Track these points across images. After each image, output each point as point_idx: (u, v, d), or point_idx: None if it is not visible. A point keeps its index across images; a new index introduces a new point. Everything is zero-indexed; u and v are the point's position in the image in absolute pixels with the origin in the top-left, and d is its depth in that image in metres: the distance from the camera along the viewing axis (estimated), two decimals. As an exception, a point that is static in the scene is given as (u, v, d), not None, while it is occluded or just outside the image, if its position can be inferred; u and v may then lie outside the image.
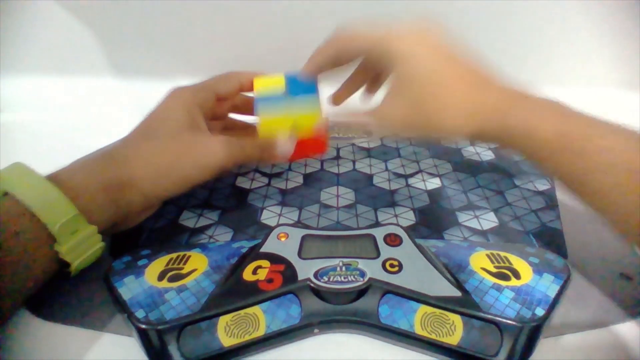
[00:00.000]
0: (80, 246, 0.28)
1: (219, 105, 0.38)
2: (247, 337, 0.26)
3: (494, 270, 0.29)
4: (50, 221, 0.26)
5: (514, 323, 0.25)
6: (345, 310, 0.28)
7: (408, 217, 0.38)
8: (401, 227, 0.32)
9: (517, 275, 0.29)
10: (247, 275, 0.28)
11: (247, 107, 0.40)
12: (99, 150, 0.31)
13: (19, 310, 0.29)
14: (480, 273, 0.29)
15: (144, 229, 0.36)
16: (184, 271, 0.29)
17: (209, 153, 0.32)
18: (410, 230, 0.32)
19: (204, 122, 0.34)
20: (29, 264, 0.26)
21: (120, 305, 0.27)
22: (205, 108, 0.35)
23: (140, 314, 0.26)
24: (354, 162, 0.46)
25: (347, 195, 0.40)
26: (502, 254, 0.31)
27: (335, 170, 0.44)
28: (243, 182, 0.42)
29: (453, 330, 0.26)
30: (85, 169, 0.30)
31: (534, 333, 0.26)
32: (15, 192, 0.26)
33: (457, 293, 0.27)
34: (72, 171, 0.29)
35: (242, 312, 0.27)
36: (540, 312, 0.26)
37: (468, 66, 0.30)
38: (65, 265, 0.28)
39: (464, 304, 0.26)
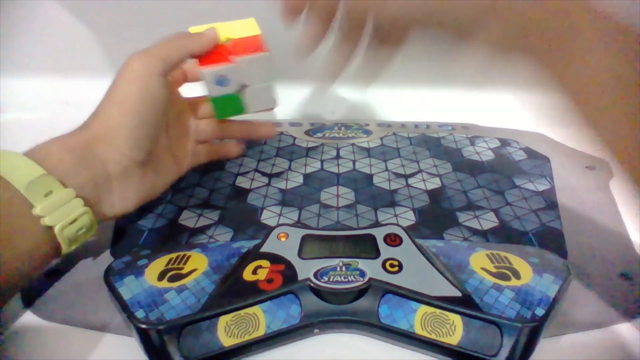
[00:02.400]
0: (59, 209, 0.27)
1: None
2: (247, 337, 0.26)
3: (494, 270, 0.29)
4: (17, 182, 0.25)
5: (514, 323, 0.25)
6: (345, 310, 0.28)
7: (408, 217, 0.38)
8: (401, 227, 0.32)
9: (517, 275, 0.29)
10: (247, 275, 0.28)
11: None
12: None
13: (19, 311, 0.29)
14: (480, 273, 0.29)
15: (144, 229, 0.36)
16: (184, 271, 0.29)
17: (128, 65, 0.31)
18: (410, 230, 0.32)
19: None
20: (10, 234, 0.25)
21: (120, 305, 0.27)
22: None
23: (140, 314, 0.26)
24: (354, 162, 0.46)
25: (347, 195, 0.40)
26: (502, 254, 0.31)
27: (335, 170, 0.44)
28: (243, 182, 0.42)
29: (453, 330, 0.26)
30: (52, 139, 0.29)
31: (534, 333, 0.26)
32: None
33: (457, 293, 0.27)
34: (40, 144, 0.29)
35: (242, 312, 0.27)
36: (540, 312, 0.26)
37: None
38: (61, 253, 0.27)
39: (464, 304, 0.27)
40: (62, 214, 0.27)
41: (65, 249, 0.28)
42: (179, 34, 0.33)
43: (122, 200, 0.31)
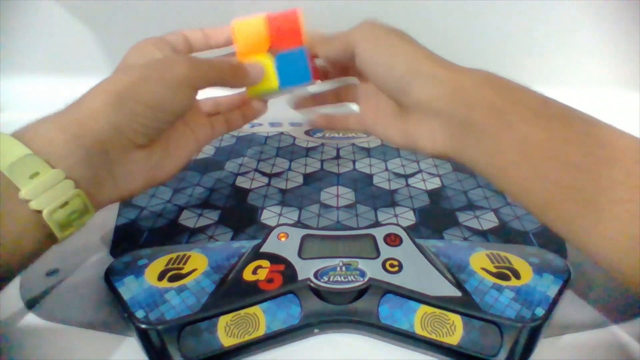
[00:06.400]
0: (47, 192, 0.25)
1: None
2: (247, 337, 0.26)
3: (494, 270, 0.29)
4: (1, 163, 0.24)
5: (514, 323, 0.25)
6: (345, 310, 0.28)
7: (408, 217, 0.38)
8: (401, 227, 0.32)
9: (517, 275, 0.29)
10: (247, 275, 0.28)
11: None
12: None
13: (19, 311, 0.29)
14: (480, 273, 0.29)
15: (144, 229, 0.36)
16: (184, 271, 0.29)
17: (171, 65, 0.29)
18: (410, 230, 0.32)
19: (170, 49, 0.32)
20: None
21: (120, 305, 0.27)
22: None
23: (140, 314, 0.26)
24: (354, 162, 0.46)
25: (347, 195, 0.40)
26: (502, 254, 0.31)
27: (335, 170, 0.44)
28: (243, 182, 0.42)
29: (453, 330, 0.26)
30: (45, 117, 0.27)
31: (534, 333, 0.26)
32: None
33: (457, 293, 0.27)
34: (30, 123, 0.27)
35: (242, 312, 0.27)
36: (540, 312, 0.26)
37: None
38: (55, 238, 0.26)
39: (464, 304, 0.27)
40: (51, 197, 0.25)
41: (58, 234, 0.26)
42: (228, 63, 0.32)
43: (126, 182, 0.29)
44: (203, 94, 0.32)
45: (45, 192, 0.25)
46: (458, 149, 0.27)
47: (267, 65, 0.33)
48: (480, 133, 0.26)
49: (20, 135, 0.25)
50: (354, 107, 0.36)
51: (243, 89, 0.34)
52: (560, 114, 0.25)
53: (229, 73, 0.31)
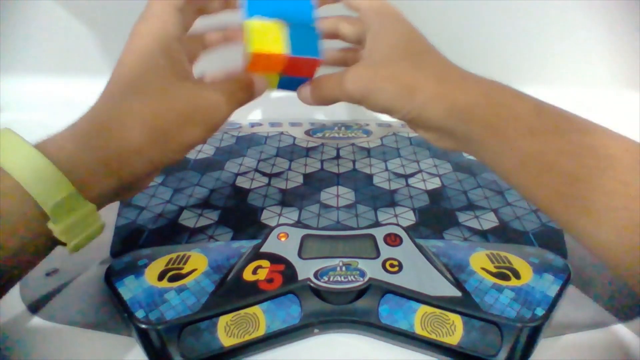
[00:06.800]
0: (78, 226, 0.25)
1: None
2: (247, 337, 0.26)
3: (494, 270, 0.29)
4: (43, 199, 0.23)
5: (514, 323, 0.25)
6: (345, 310, 0.28)
7: (408, 217, 0.38)
8: (401, 227, 0.32)
9: (517, 275, 0.29)
10: (247, 275, 0.28)
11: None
12: (83, 117, 0.27)
13: (19, 311, 0.29)
14: (480, 273, 0.29)
15: (144, 229, 0.36)
16: (184, 271, 0.29)
17: (212, 107, 0.29)
18: (410, 230, 0.32)
19: (187, 63, 0.30)
20: (17, 245, 0.23)
21: (121, 305, 0.27)
22: (187, 43, 0.31)
23: (140, 314, 0.26)
24: (354, 162, 0.46)
25: (347, 195, 0.40)
26: (502, 254, 0.31)
27: (335, 170, 0.44)
28: (243, 182, 0.42)
29: (453, 330, 0.26)
30: (76, 140, 0.25)
31: (534, 333, 0.26)
32: (4, 164, 0.23)
33: (457, 293, 0.27)
34: (62, 141, 0.25)
35: (242, 312, 0.27)
36: (540, 312, 0.26)
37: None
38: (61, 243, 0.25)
39: (464, 304, 0.27)
40: (80, 230, 0.25)
41: (71, 252, 0.25)
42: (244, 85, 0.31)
43: (135, 192, 0.29)
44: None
45: (75, 227, 0.25)
46: (467, 151, 0.29)
47: (276, 30, 0.30)
48: (480, 145, 0.27)
49: (56, 154, 0.24)
50: None
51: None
52: (554, 126, 0.26)
53: (253, 91, 0.31)
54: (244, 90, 0.30)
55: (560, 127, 0.26)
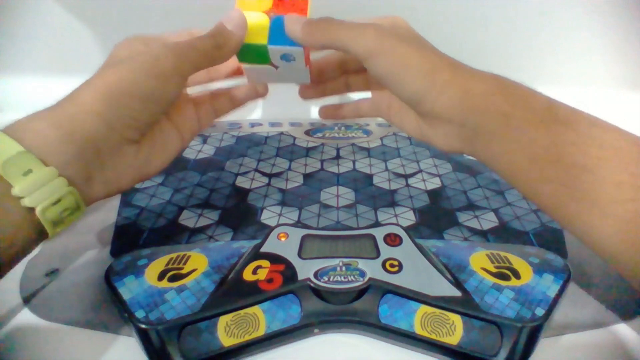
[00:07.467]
0: (40, 189, 0.24)
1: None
2: (247, 337, 0.26)
3: (494, 270, 0.29)
4: None
5: (514, 323, 0.25)
6: (345, 310, 0.28)
7: (408, 217, 0.38)
8: (401, 227, 0.32)
9: (517, 275, 0.29)
10: (247, 275, 0.28)
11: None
12: None
13: (19, 310, 0.29)
14: (480, 273, 0.29)
15: (144, 229, 0.36)
16: (184, 271, 0.29)
17: (158, 56, 0.29)
18: (410, 230, 0.32)
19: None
20: None
21: (120, 305, 0.27)
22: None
23: (140, 314, 0.26)
24: (354, 162, 0.46)
25: (347, 195, 0.40)
26: (502, 254, 0.31)
27: (335, 170, 0.44)
28: (243, 182, 0.42)
29: (453, 330, 0.26)
30: (36, 113, 0.27)
31: (534, 333, 0.26)
32: None
33: (457, 293, 0.27)
34: (22, 118, 0.26)
35: (242, 312, 0.27)
36: (540, 312, 0.26)
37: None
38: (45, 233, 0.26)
39: (464, 304, 0.27)
40: (44, 195, 0.25)
41: (50, 231, 0.26)
42: (207, 35, 0.31)
43: (115, 178, 0.29)
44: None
45: (38, 190, 0.25)
46: (471, 150, 0.29)
47: (262, 22, 0.31)
48: (490, 136, 0.27)
49: (12, 131, 0.25)
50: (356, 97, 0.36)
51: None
52: (564, 118, 0.26)
53: (211, 43, 0.30)
54: (196, 46, 0.30)
55: (570, 120, 0.26)
